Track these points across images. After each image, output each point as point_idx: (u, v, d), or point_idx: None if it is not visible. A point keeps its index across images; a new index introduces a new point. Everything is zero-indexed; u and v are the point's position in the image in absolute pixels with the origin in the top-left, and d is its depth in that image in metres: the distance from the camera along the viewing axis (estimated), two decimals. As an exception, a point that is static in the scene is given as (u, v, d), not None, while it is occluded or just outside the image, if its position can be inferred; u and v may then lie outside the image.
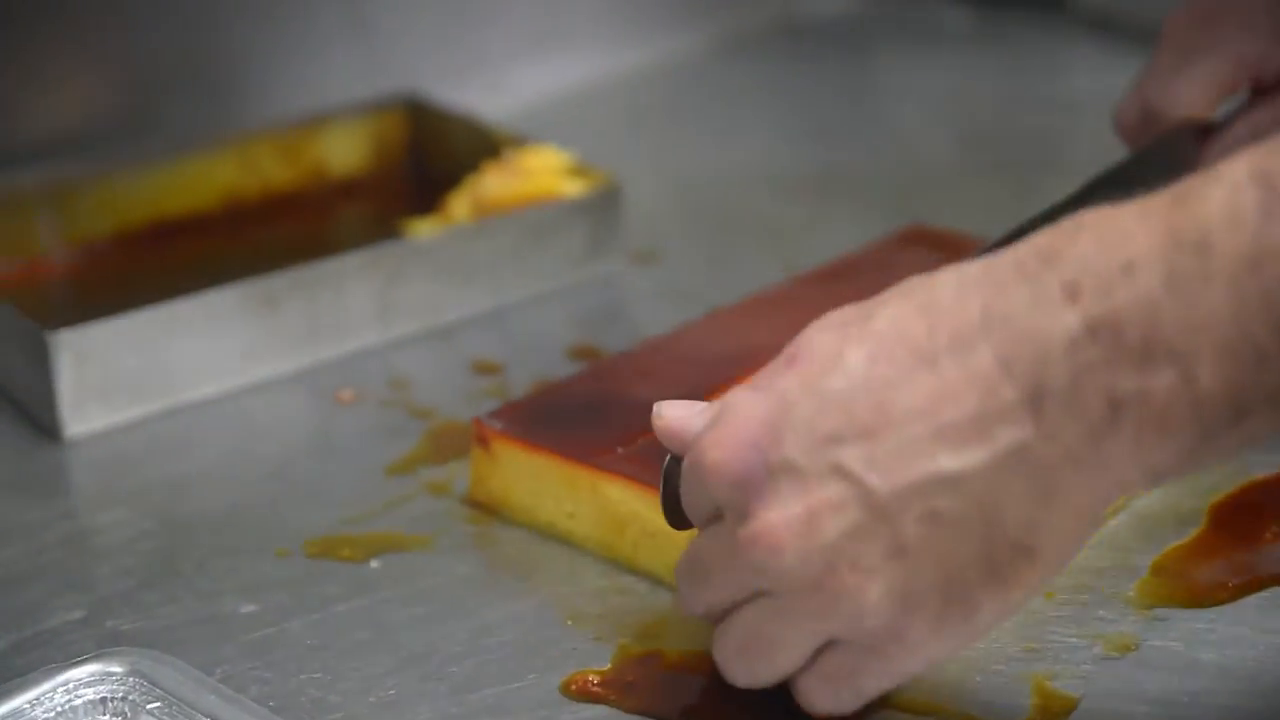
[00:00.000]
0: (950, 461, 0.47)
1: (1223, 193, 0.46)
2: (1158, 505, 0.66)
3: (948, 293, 0.48)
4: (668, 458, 0.55)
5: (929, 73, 1.17)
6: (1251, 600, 0.61)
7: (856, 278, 0.79)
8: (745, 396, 0.51)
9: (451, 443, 0.71)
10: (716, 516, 0.51)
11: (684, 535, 0.59)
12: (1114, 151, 1.01)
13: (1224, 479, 0.68)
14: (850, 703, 0.52)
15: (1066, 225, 0.47)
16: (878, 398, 0.48)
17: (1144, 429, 0.46)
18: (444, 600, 0.62)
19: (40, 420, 0.73)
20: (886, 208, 0.96)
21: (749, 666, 0.52)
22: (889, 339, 0.48)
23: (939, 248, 0.82)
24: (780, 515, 0.48)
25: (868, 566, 0.48)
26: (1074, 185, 0.98)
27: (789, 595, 0.49)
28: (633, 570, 0.63)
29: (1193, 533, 0.65)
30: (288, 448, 0.72)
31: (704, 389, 0.68)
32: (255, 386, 0.76)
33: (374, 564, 0.64)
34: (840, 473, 0.48)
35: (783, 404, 0.49)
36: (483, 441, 0.67)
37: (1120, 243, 0.46)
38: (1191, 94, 0.72)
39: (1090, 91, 1.14)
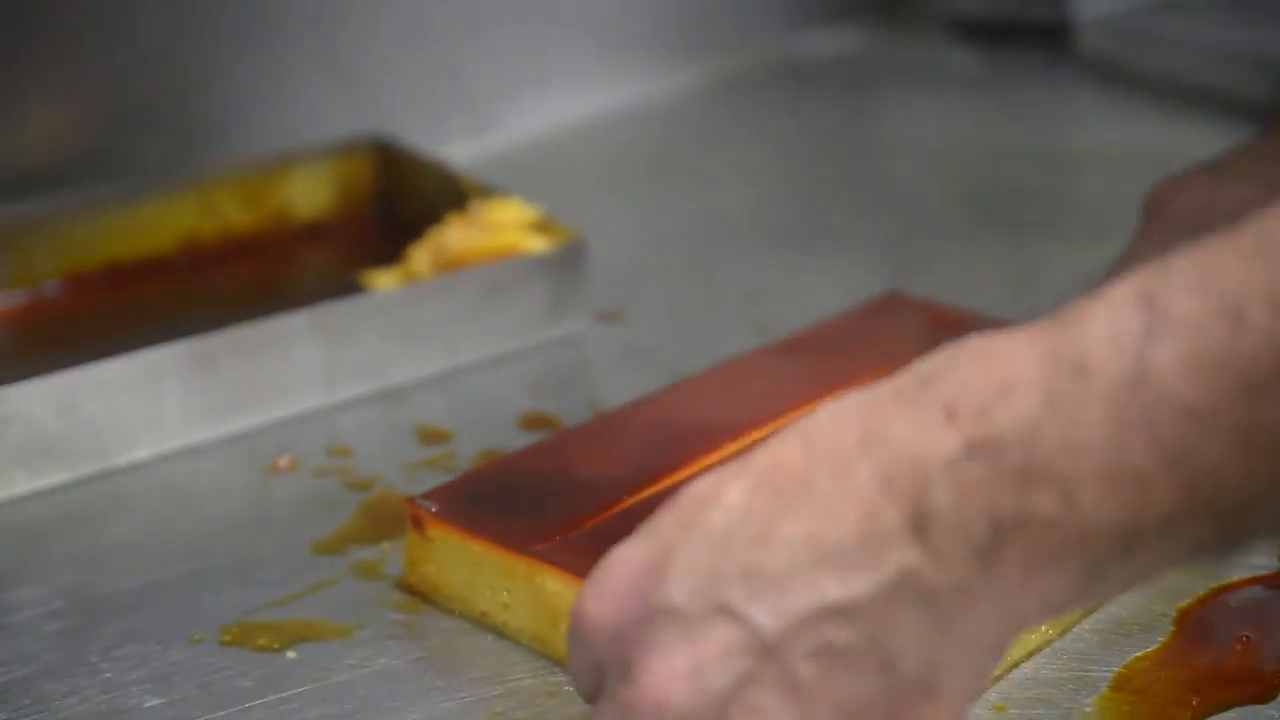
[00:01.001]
0: (836, 590, 0.44)
1: (1104, 313, 0.44)
2: (1124, 611, 0.63)
3: (824, 419, 0.46)
4: None
5: (927, 120, 1.14)
6: (1216, 721, 0.57)
7: (826, 349, 0.76)
8: (623, 546, 0.48)
9: (386, 519, 0.68)
10: (602, 686, 0.48)
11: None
12: (1110, 212, 0.98)
13: (1194, 581, 0.64)
14: None
15: (947, 351, 0.46)
16: (757, 530, 0.45)
17: (1031, 556, 0.44)
18: (359, 698, 0.58)
19: (-42, 484, 0.70)
20: (871, 268, 0.93)
21: None
22: (766, 470, 0.46)
23: (915, 317, 0.79)
24: (665, 666, 0.45)
25: (763, 710, 0.45)
26: (1070, 250, 0.95)
27: None
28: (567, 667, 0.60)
29: (1159, 641, 0.61)
30: (214, 520, 0.69)
31: (656, 471, 0.65)
32: (188, 450, 0.73)
33: (291, 654, 0.60)
34: (725, 613, 0.45)
35: (661, 547, 0.47)
36: (417, 524, 0.63)
37: (999, 365, 0.44)
38: None
39: (1093, 146, 1.11)
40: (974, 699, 0.47)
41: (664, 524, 0.47)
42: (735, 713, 0.45)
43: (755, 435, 0.67)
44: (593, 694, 0.49)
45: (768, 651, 0.45)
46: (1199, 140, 1.08)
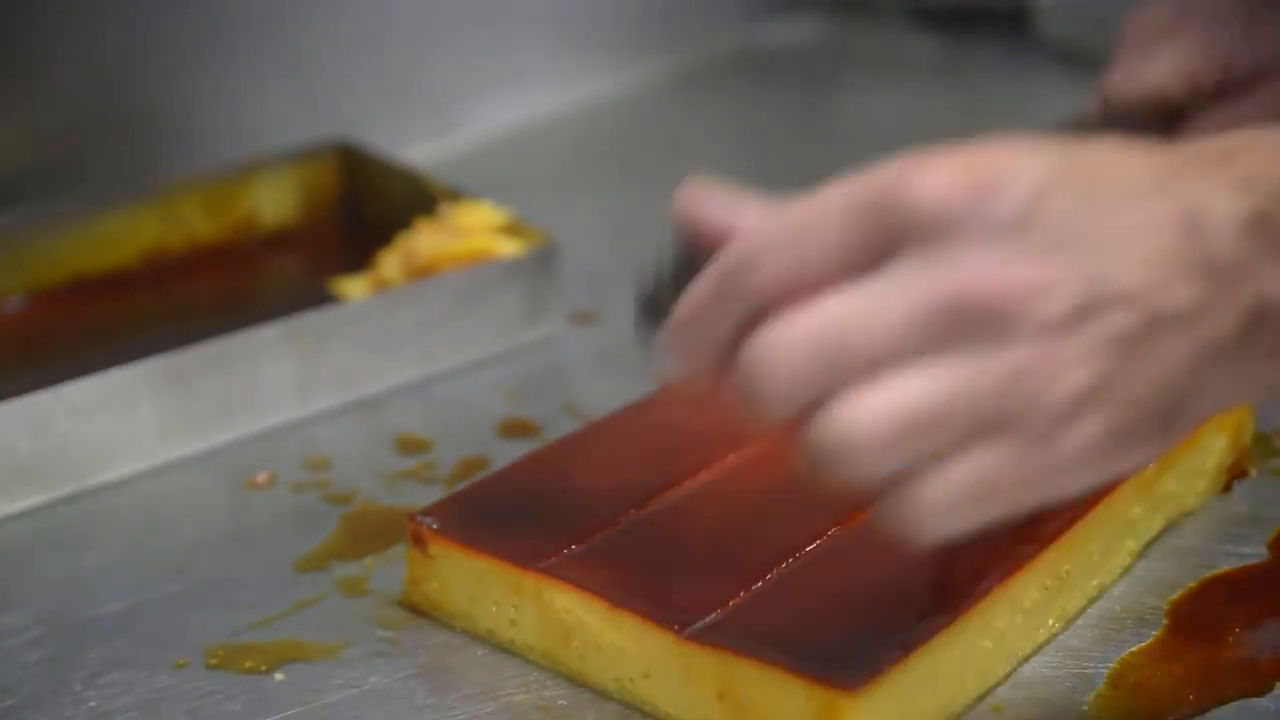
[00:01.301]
0: (1165, 292, 0.45)
1: None
2: (1116, 605, 0.63)
3: (1119, 157, 0.47)
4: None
5: (891, 108, 1.14)
6: (1213, 716, 0.57)
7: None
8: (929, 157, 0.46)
9: (369, 533, 0.67)
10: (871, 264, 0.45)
11: (637, 645, 0.56)
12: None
13: (1185, 573, 0.64)
14: (965, 518, 0.46)
15: (1234, 136, 0.48)
16: (1094, 210, 0.45)
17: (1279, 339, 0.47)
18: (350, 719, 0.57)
19: (-71, 510, 0.69)
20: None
21: (892, 452, 0.45)
22: (1069, 170, 0.45)
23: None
24: (1004, 268, 0.44)
25: (1079, 352, 0.45)
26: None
27: (984, 362, 0.44)
28: (576, 683, 0.59)
29: (1153, 635, 0.61)
30: (194, 539, 0.68)
31: (660, 483, 0.64)
32: (164, 468, 0.72)
33: (279, 676, 0.59)
34: (1068, 249, 0.44)
35: (994, 174, 0.45)
36: (419, 542, 0.62)
37: None
38: (1157, 80, 0.68)
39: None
40: (1170, 447, 0.48)
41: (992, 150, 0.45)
42: (1058, 342, 0.44)
43: (756, 442, 0.66)
44: (843, 268, 0.46)
45: (1100, 307, 0.44)
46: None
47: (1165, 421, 0.47)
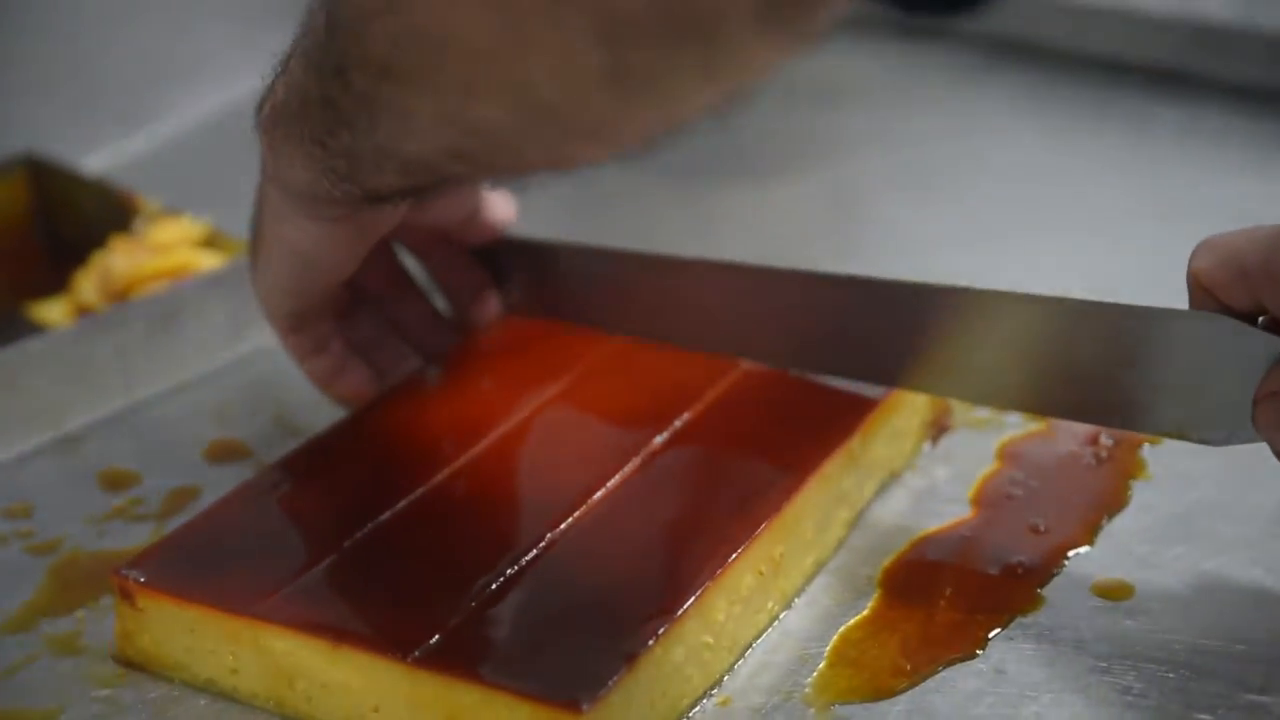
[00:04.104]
0: None
1: None
2: (833, 579, 0.64)
3: None
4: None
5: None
6: (931, 684, 0.58)
7: (529, 345, 0.74)
8: None
9: (78, 583, 0.65)
10: None
11: (363, 680, 0.55)
12: (770, 148, 0.98)
13: (895, 538, 0.65)
14: None
15: None
16: None
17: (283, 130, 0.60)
18: (69, 791, 0.56)
19: None
20: (550, 225, 0.92)
21: None
22: None
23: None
24: None
25: None
26: (736, 188, 0.95)
27: None
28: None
29: (868, 606, 0.62)
30: (-113, 610, 0.65)
31: (370, 509, 0.63)
32: None
33: (-12, 752, 0.57)
34: None
35: None
36: (126, 596, 0.60)
37: None
38: None
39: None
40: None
41: None
42: None
43: (467, 456, 0.65)
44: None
45: None
46: (862, 66, 1.10)
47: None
